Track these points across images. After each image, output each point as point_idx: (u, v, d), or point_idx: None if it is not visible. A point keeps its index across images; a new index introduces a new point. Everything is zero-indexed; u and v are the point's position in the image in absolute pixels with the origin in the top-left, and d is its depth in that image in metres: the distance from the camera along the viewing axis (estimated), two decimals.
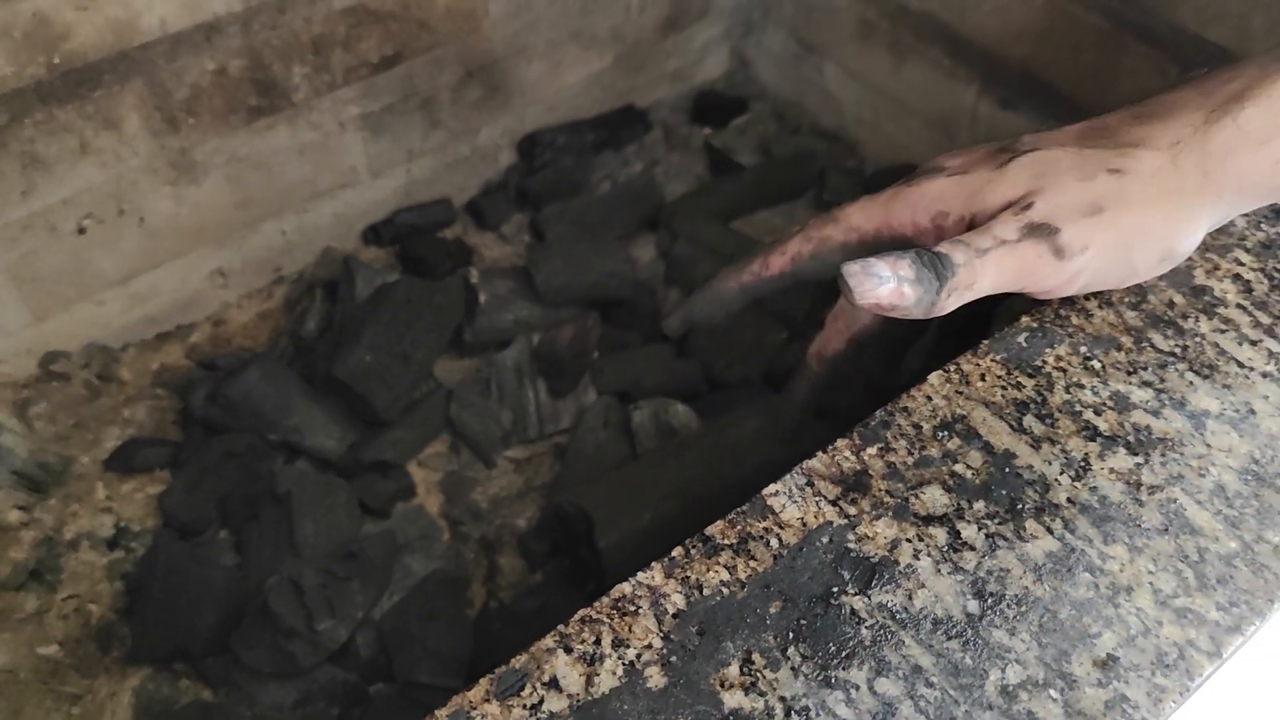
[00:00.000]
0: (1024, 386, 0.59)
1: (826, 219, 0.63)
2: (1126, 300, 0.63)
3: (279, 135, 1.11)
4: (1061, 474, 0.55)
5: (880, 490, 0.54)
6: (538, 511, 1.07)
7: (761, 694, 0.47)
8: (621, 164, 1.36)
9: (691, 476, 0.93)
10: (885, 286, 0.53)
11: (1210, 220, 0.59)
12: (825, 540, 0.53)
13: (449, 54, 1.19)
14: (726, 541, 0.53)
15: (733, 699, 0.46)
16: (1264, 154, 0.57)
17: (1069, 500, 0.54)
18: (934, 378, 0.60)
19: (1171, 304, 0.63)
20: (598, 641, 0.49)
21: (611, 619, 0.50)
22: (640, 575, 0.51)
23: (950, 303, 0.54)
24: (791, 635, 0.49)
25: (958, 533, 0.53)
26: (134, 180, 1.04)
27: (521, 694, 0.47)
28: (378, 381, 1.03)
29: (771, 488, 0.55)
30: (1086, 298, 0.63)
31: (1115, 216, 0.56)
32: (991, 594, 0.50)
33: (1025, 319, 0.63)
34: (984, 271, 0.55)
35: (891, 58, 1.29)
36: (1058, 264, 0.56)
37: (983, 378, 0.60)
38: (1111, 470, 0.55)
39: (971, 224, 0.58)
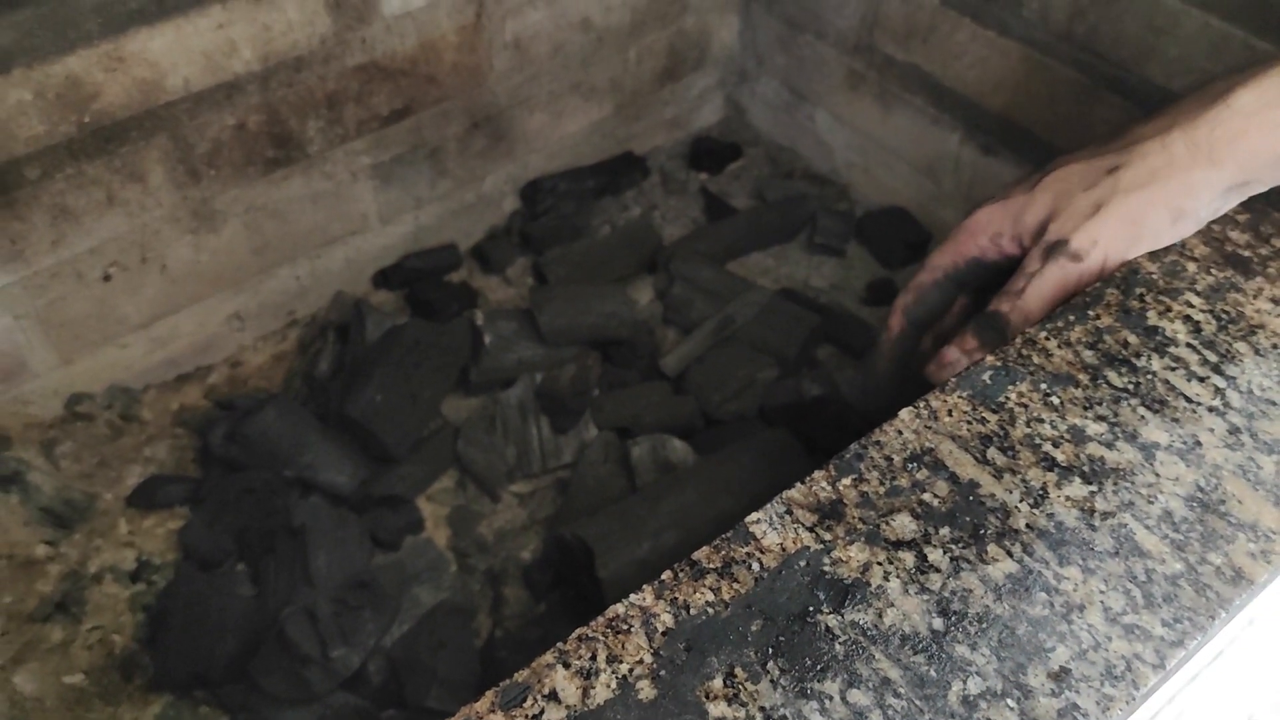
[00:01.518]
0: (988, 421, 0.64)
1: (918, 271, 0.83)
2: (1083, 341, 0.68)
3: (294, 185, 1.17)
4: (1021, 501, 0.60)
5: (854, 518, 0.59)
6: (541, 544, 1.11)
7: (743, 704, 0.51)
8: (621, 209, 1.42)
9: (688, 509, 0.98)
10: (959, 367, 0.72)
11: (1215, 185, 0.69)
12: (803, 564, 0.57)
13: (455, 106, 1.25)
14: (712, 565, 0.57)
15: (717, 709, 0.51)
16: (1258, 122, 0.66)
17: (1028, 526, 0.59)
18: (905, 413, 0.65)
19: (1126, 344, 0.68)
20: (593, 657, 0.53)
21: (606, 637, 0.54)
22: (633, 597, 0.56)
23: (1018, 334, 0.68)
24: (771, 651, 0.53)
25: (924, 556, 0.57)
26: (157, 229, 1.10)
27: (524, 705, 0.51)
28: (387, 420, 1.07)
29: (753, 516, 0.60)
30: (1046, 337, 0.68)
31: (1113, 208, 0.69)
32: (955, 612, 0.55)
33: (990, 359, 0.67)
34: (1030, 303, 0.71)
35: (879, 106, 1.34)
36: (1080, 265, 0.70)
37: (950, 413, 0.64)
38: (1067, 498, 0.60)
39: (1020, 241, 0.75)
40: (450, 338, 1.14)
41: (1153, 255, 0.74)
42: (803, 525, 0.59)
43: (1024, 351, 0.68)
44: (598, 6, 1.29)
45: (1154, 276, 0.72)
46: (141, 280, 1.12)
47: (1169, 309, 0.70)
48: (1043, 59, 1.15)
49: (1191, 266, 0.73)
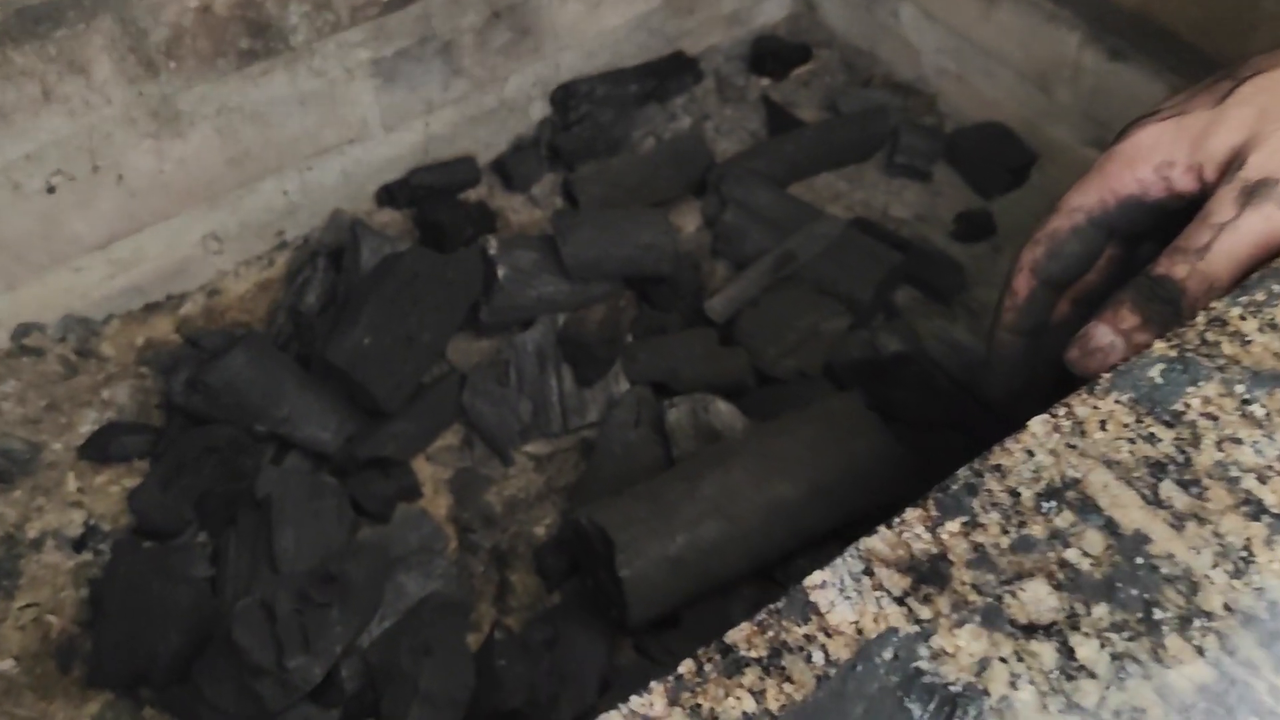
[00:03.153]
0: (1159, 440, 0.44)
1: (1045, 217, 0.61)
2: None
3: (276, 83, 0.98)
4: (1215, 568, 0.40)
5: (964, 584, 0.40)
6: (558, 518, 0.94)
7: None
8: (668, 118, 1.22)
9: (733, 492, 0.79)
10: (1116, 353, 0.52)
11: None
12: (888, 656, 0.39)
13: None
14: (754, 654, 0.39)
15: None
16: None
17: (1226, 607, 0.39)
18: (1037, 425, 0.45)
19: None
20: None
21: None
22: (634, 702, 0.38)
23: (1199, 312, 0.48)
24: None
25: (1071, 651, 0.38)
26: (108, 133, 0.92)
27: None
28: (377, 366, 0.90)
29: (816, 577, 0.41)
30: (1242, 316, 0.48)
31: None
32: None
33: (1160, 345, 0.47)
34: (1217, 266, 0.51)
35: (980, 0, 1.12)
36: None
37: (1103, 426, 0.45)
38: None
39: (1200, 174, 0.55)
40: (457, 269, 0.96)
41: None
42: (889, 594, 0.40)
43: (1209, 336, 0.47)
44: None
45: None
46: (93, 192, 0.95)
47: None
48: None
49: None
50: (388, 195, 1.13)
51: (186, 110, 0.95)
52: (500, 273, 0.97)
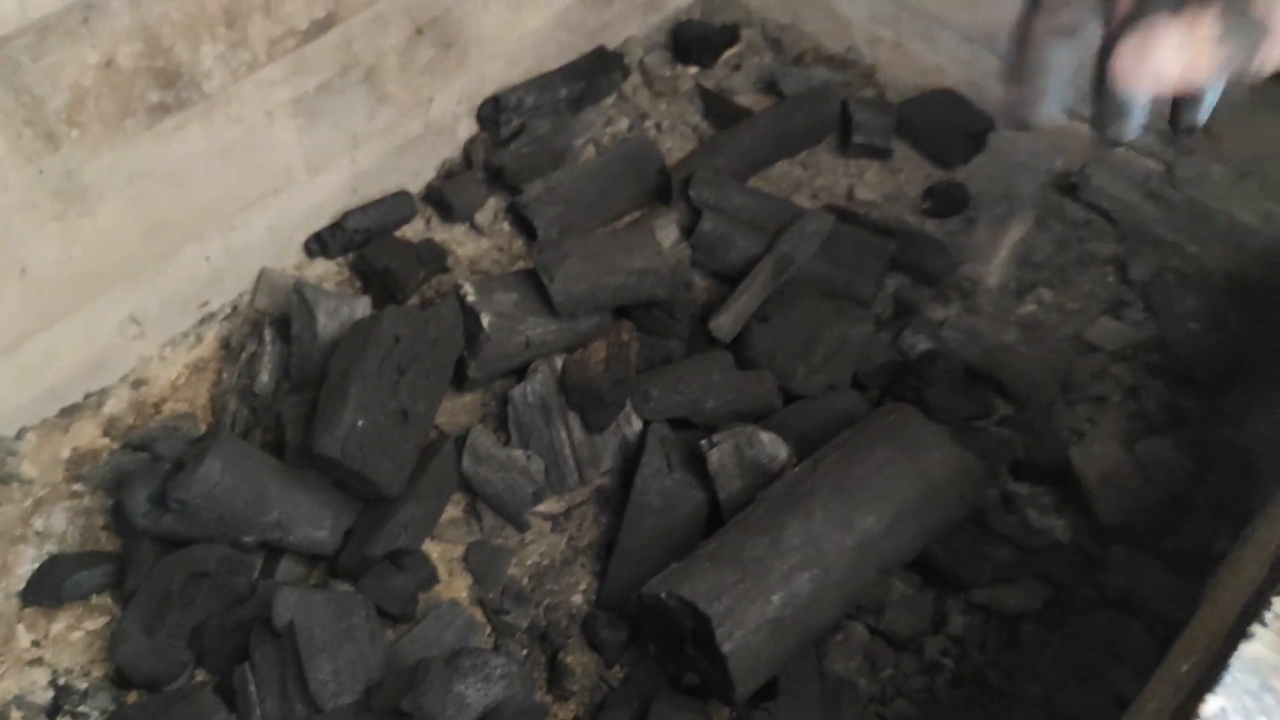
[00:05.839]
0: None
1: None
2: None
3: (191, 137, 0.85)
4: None
5: None
6: (593, 580, 0.85)
7: None
8: (604, 121, 1.13)
9: (819, 538, 0.73)
10: (1171, 64, 0.45)
11: None
12: None
13: (393, 7, 0.93)
14: None
15: None
16: None
17: None
18: None
19: None
20: None
21: None
22: None
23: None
24: None
25: None
26: (6, 223, 0.77)
27: None
28: (376, 452, 0.79)
29: (1213, 705, 0.35)
30: None
31: None
32: None
33: None
34: None
35: None
36: None
37: None
38: None
39: None
40: (438, 325, 0.85)
41: None
42: None
43: None
44: None
45: None
46: None
47: None
48: None
49: None
50: (319, 244, 1.00)
51: (94, 183, 0.81)
52: (485, 321, 0.87)
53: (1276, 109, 0.91)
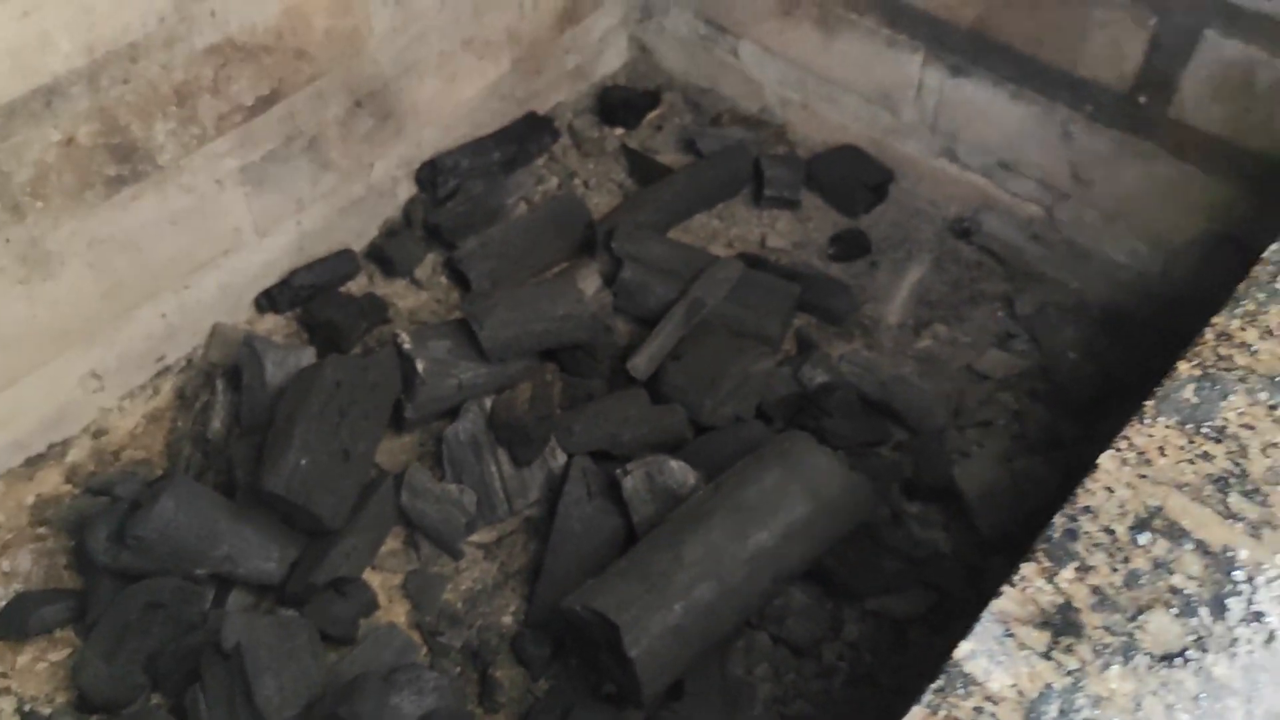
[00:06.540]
0: (1214, 456, 0.48)
1: None
2: None
3: (146, 206, 0.93)
4: None
5: (1096, 628, 0.43)
6: (522, 603, 0.93)
7: None
8: (535, 181, 1.21)
9: (718, 551, 0.80)
10: None
11: None
12: (1054, 713, 0.41)
13: (333, 83, 1.02)
14: None
15: None
16: None
17: None
18: (1106, 460, 0.49)
19: None
20: None
21: None
22: None
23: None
24: None
25: (1209, 673, 0.42)
26: None
27: None
28: (319, 488, 0.86)
29: (964, 647, 0.43)
30: (1241, 327, 0.53)
31: None
32: None
33: (1183, 366, 0.52)
34: None
35: (819, 31, 1.17)
36: None
37: (1163, 451, 0.49)
38: None
39: None
40: (377, 372, 0.93)
41: None
42: (1033, 650, 0.42)
43: (1221, 351, 0.52)
44: None
45: None
46: None
47: None
48: None
49: None
50: (268, 301, 1.08)
51: (56, 250, 0.88)
52: (420, 366, 0.95)
53: (1137, 158, 1.01)
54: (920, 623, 0.87)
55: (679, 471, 0.90)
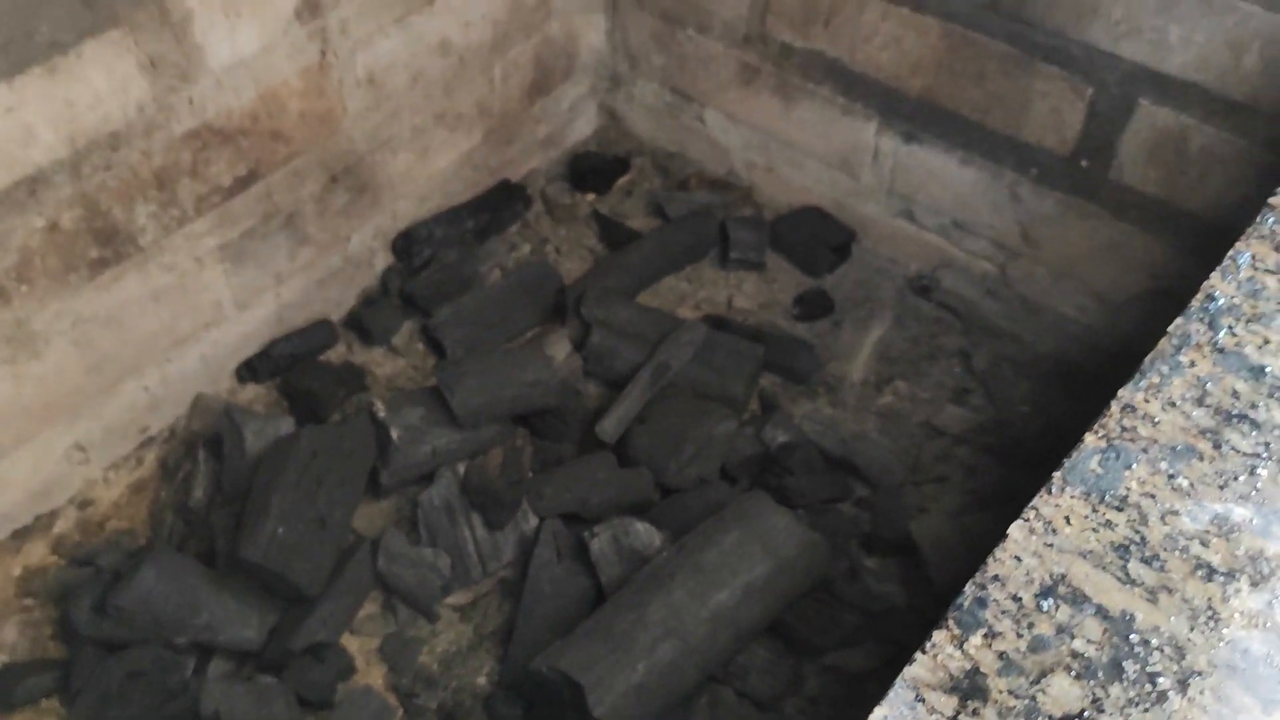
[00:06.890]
0: (1115, 524, 0.52)
1: None
2: (1188, 397, 0.57)
3: (128, 285, 0.97)
4: (1192, 630, 0.48)
5: (1001, 693, 0.46)
6: (496, 664, 0.95)
7: None
8: (508, 248, 1.26)
9: (679, 611, 0.83)
10: None
11: None
12: None
13: (309, 161, 1.06)
14: None
15: None
16: None
17: (1210, 663, 0.47)
18: (1015, 531, 0.52)
19: (1235, 393, 0.57)
20: None
21: None
22: None
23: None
24: None
25: None
26: None
27: None
28: (295, 555, 0.89)
29: (878, 713, 0.46)
30: (1145, 399, 0.56)
31: None
32: None
33: (1090, 437, 0.55)
34: None
35: (779, 100, 1.22)
36: None
37: (1068, 521, 0.52)
38: (1241, 614, 0.48)
39: None
40: (352, 440, 0.96)
41: (1223, 273, 0.63)
42: (942, 715, 0.46)
43: (1125, 423, 0.56)
44: (456, 25, 1.12)
45: (1236, 301, 0.61)
46: None
47: (1267, 340, 0.59)
48: (966, 33, 1.04)
49: (1273, 282, 0.62)
50: (249, 371, 1.11)
51: (42, 330, 0.92)
52: (394, 434, 0.98)
53: (1082, 218, 1.05)
54: (875, 676, 0.90)
55: (645, 533, 0.94)
